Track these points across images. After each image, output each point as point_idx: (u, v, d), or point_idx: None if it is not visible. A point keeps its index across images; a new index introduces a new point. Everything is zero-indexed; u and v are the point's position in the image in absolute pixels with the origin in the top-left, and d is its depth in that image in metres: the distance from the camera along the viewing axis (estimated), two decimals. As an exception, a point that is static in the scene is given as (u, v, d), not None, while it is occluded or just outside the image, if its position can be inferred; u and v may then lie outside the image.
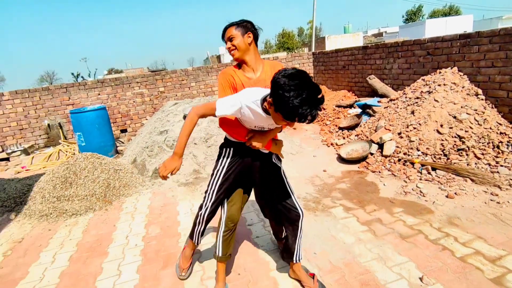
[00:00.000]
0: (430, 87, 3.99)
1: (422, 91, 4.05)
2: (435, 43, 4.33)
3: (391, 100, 4.77)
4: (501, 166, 2.96)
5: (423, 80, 4.31)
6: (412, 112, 3.89)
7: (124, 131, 6.97)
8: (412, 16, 44.75)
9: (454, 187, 2.84)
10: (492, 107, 3.68)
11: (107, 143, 5.31)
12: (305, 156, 4.28)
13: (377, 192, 2.99)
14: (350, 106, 5.97)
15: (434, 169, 3.20)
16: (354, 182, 3.26)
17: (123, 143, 6.49)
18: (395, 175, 3.27)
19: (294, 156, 4.32)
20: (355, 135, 4.54)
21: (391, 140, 3.80)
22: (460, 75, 3.99)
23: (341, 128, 5.12)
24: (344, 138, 4.69)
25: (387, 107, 4.65)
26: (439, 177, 3.05)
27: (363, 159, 3.76)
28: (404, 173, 3.27)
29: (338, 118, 5.74)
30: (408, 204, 2.70)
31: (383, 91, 5.27)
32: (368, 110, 5.04)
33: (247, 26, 1.68)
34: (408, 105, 4.08)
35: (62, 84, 6.51)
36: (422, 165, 3.31)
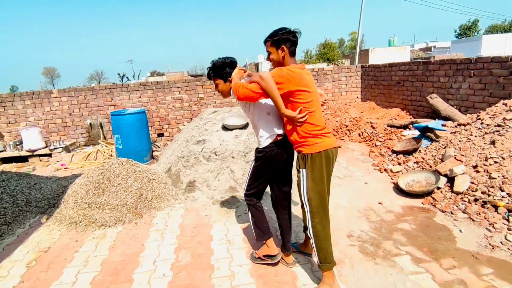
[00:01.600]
0: (516, 113, 3.33)
1: (505, 118, 3.40)
2: (523, 62, 3.66)
3: (459, 124, 4.12)
4: None
5: (505, 104, 3.64)
6: (492, 142, 3.26)
7: (161, 135, 6.90)
8: (467, 31, 41.89)
9: (561, 247, 2.21)
10: None
11: (143, 148, 5.19)
12: (354, 182, 3.78)
13: (453, 240, 2.43)
14: (405, 127, 5.35)
15: (527, 217, 2.57)
16: (420, 223, 2.72)
17: (159, 147, 6.40)
18: (473, 220, 2.67)
19: (342, 180, 3.84)
20: (414, 162, 3.95)
21: (464, 173, 3.19)
22: (557, 102, 3.29)
23: (395, 152, 4.54)
24: (399, 164, 4.11)
25: (454, 133, 4.02)
26: (535, 230, 2.42)
27: (428, 193, 3.19)
28: (485, 218, 2.67)
29: (390, 139, 5.15)
30: (499, 263, 2.12)
31: (447, 113, 4.62)
32: (429, 133, 4.42)
33: (281, 40, 1.87)
34: (486, 133, 3.44)
35: (106, 85, 6.61)
36: (509, 210, 2.68)
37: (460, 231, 2.54)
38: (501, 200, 2.81)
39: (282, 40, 1.86)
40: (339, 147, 5.34)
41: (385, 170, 4.03)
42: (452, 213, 2.82)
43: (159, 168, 4.46)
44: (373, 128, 5.65)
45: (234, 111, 5.38)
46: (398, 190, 3.40)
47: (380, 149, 4.92)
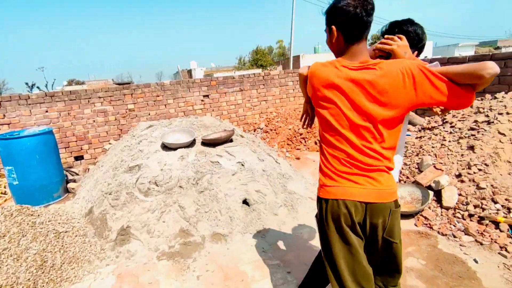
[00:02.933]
0: (487, 116, 3.18)
1: (477, 121, 3.22)
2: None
3: (424, 128, 3.92)
4: None
5: (471, 106, 3.50)
6: (471, 148, 3.02)
7: (79, 158, 5.48)
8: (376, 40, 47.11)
9: None
10: None
11: (51, 180, 3.86)
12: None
13: (475, 277, 1.98)
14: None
15: (533, 233, 2.28)
16: (428, 256, 2.23)
17: (77, 174, 5.00)
18: (481, 243, 2.29)
19: (314, 202, 3.24)
20: (387, 173, 3.58)
21: (449, 185, 2.87)
22: (519, 102, 3.23)
23: (360, 161, 4.16)
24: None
25: (421, 137, 3.79)
26: (549, 249, 2.13)
27: (417, 212, 2.78)
28: (491, 238, 2.32)
29: (350, 146, 4.81)
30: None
31: (409, 117, 4.44)
32: (393, 139, 4.15)
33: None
34: (461, 137, 3.22)
35: (-6, 97, 4.95)
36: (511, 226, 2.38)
37: (476, 261, 2.11)
38: (497, 213, 2.52)
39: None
40: (298, 158, 4.81)
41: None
42: (454, 236, 2.41)
43: (76, 208, 3.27)
44: (330, 135, 5.28)
45: (176, 124, 4.42)
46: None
47: (343, 158, 4.52)
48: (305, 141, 5.48)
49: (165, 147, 3.60)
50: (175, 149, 3.52)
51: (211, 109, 6.33)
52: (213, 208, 2.82)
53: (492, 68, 1.03)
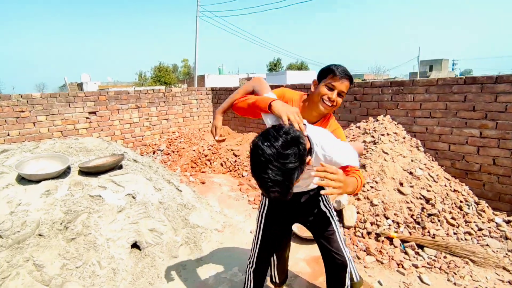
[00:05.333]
0: (373, 136, 3.50)
1: (365, 141, 3.51)
2: (363, 88, 4.01)
3: (322, 148, 4.11)
4: (489, 237, 2.49)
5: (358, 127, 3.84)
6: (363, 166, 3.23)
7: None
8: (274, 67, 51.55)
9: (466, 277, 2.12)
10: (432, 160, 3.45)
11: None
12: (237, 233, 2.92)
13: (381, 301, 1.95)
14: (267, 152, 5.08)
15: (420, 246, 2.48)
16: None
17: None
18: (381, 262, 2.35)
19: (222, 234, 2.89)
20: (292, 194, 3.55)
21: (348, 203, 2.97)
22: (395, 124, 3.70)
23: (267, 183, 4.07)
24: (277, 197, 3.62)
25: (320, 157, 3.94)
26: (434, 260, 2.32)
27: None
28: (389, 256, 2.41)
29: (256, 167, 4.71)
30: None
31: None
32: (296, 159, 4.22)
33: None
34: (354, 157, 3.44)
35: None
36: (403, 241, 2.55)
37: (380, 283, 2.12)
38: (389, 229, 2.69)
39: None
40: (203, 182, 4.42)
41: (266, 208, 3.42)
42: (358, 257, 2.42)
43: None
44: (236, 156, 5.10)
45: (44, 147, 3.45)
46: (293, 235, 2.80)
47: (249, 180, 4.36)
48: (210, 163, 5.14)
49: (23, 179, 2.70)
50: (37, 181, 2.66)
51: (99, 128, 5.37)
52: (89, 260, 2.14)
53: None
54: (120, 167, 3.16)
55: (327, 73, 1.40)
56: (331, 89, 1.39)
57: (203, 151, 5.33)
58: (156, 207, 2.71)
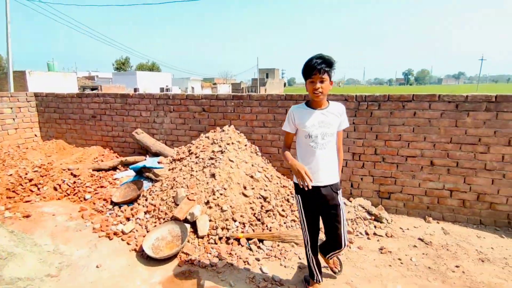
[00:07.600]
0: (220, 146, 3.79)
1: (214, 151, 3.76)
2: (210, 100, 4.28)
3: (174, 160, 4.12)
4: (307, 221, 3.18)
5: (208, 138, 4.07)
6: (213, 175, 3.46)
7: None
8: (122, 66, 46.85)
9: (292, 258, 2.64)
10: (267, 162, 4.08)
11: None
12: (79, 272, 2.51)
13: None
14: (114, 168, 4.63)
15: (260, 240, 2.90)
16: (193, 297, 2.22)
17: None
18: (232, 264, 2.60)
19: (59, 282, 2.42)
20: (145, 212, 3.39)
21: (202, 214, 3.12)
22: (238, 133, 4.15)
23: (115, 204, 3.71)
24: (128, 219, 3.36)
25: (172, 169, 3.95)
26: (270, 250, 2.77)
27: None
28: (237, 256, 2.69)
29: (102, 187, 4.20)
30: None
31: (157, 149, 4.51)
32: (147, 173, 4.05)
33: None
34: (204, 167, 3.63)
35: None
36: (248, 239, 2.91)
37: (230, 284, 2.35)
38: (237, 230, 3.01)
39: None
40: (27, 216, 3.55)
41: (115, 234, 3.11)
42: (212, 265, 2.59)
43: None
44: (75, 176, 4.36)
45: None
46: (147, 259, 2.68)
47: (94, 203, 3.84)
48: (38, 189, 4.18)
49: None
50: None
51: None
52: None
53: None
54: None
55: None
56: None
57: (26, 174, 4.27)
58: None
